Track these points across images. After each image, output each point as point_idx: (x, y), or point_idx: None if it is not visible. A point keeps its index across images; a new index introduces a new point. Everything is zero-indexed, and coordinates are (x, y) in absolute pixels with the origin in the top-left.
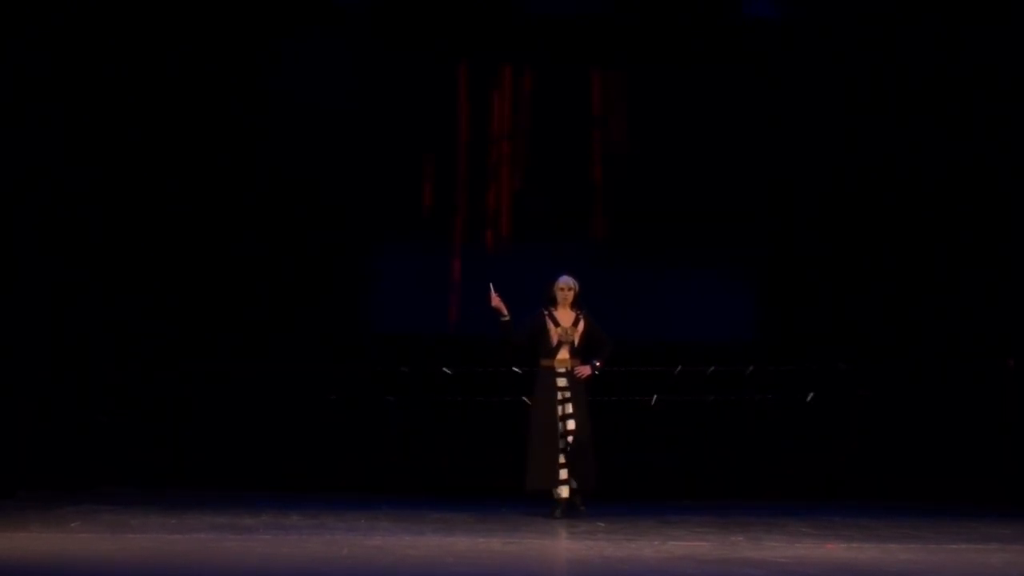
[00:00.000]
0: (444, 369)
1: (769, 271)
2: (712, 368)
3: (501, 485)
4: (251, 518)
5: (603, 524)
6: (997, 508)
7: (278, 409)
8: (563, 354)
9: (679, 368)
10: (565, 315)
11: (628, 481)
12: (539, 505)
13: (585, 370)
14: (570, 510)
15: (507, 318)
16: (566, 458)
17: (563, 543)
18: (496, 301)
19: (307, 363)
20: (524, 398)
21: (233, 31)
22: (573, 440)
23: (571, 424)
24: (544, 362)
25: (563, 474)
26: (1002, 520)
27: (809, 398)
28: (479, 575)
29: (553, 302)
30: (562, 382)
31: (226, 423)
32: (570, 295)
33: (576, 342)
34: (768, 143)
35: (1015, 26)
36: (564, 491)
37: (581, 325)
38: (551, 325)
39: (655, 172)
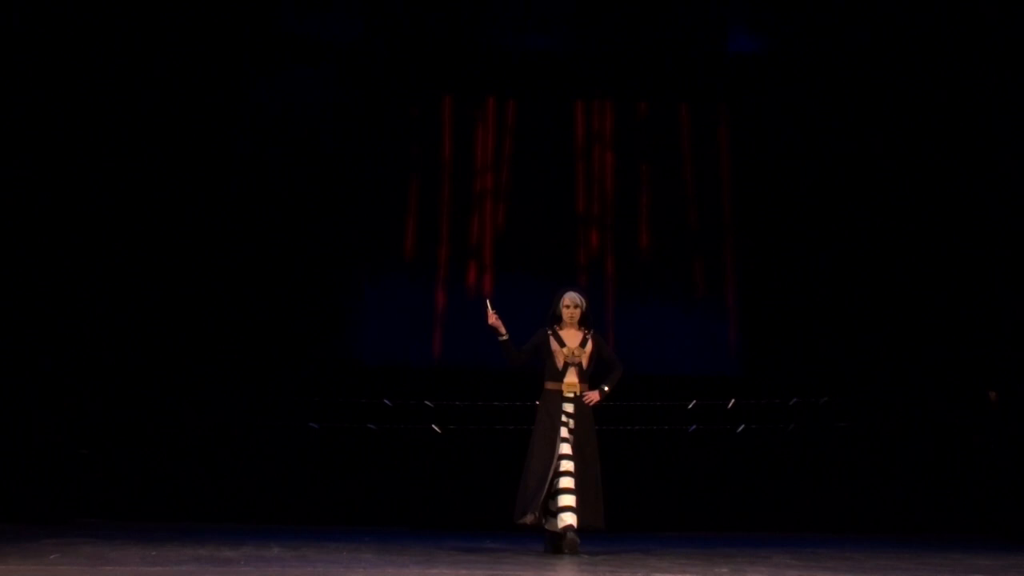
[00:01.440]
0: (426, 402)
1: (753, 306)
2: (693, 403)
3: (485, 517)
4: (232, 550)
5: (587, 556)
6: (979, 539)
7: (261, 440)
8: (571, 377)
9: (659, 403)
10: (571, 335)
11: (612, 512)
12: (522, 538)
13: (594, 396)
14: (558, 544)
15: (505, 336)
16: (563, 491)
17: (546, 575)
18: (493, 319)
19: (290, 394)
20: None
21: (220, 61)
22: (578, 474)
23: (568, 463)
24: (550, 385)
25: (561, 501)
26: (984, 551)
27: (790, 429)
28: None
29: (558, 320)
30: (569, 408)
31: (208, 454)
32: (576, 313)
33: (584, 364)
34: (751, 177)
35: (997, 64)
36: (555, 524)
37: (589, 346)
38: (556, 345)
39: (639, 204)
